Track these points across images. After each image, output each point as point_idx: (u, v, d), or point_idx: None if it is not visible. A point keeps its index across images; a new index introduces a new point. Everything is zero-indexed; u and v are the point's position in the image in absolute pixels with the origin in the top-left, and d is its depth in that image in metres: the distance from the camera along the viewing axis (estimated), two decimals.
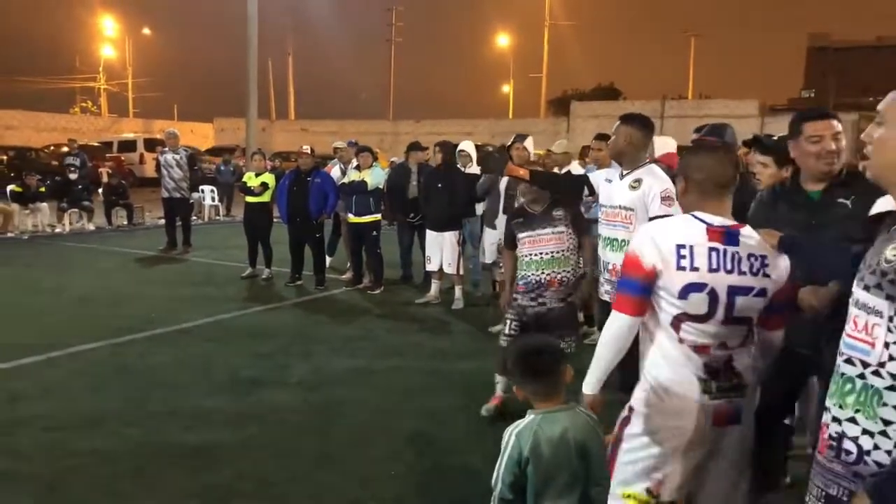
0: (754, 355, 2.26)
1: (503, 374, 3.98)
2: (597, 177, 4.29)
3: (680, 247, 2.13)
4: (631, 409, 2.28)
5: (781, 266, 2.20)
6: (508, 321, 4.49)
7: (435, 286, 8.03)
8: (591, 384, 2.36)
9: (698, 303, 2.12)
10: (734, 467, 2.23)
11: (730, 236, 2.16)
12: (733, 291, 2.12)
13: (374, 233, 8.51)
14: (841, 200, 2.91)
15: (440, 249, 7.78)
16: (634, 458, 2.23)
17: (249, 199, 9.21)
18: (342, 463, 3.93)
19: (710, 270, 2.12)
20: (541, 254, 4.37)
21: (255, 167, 9.56)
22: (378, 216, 8.54)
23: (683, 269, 2.12)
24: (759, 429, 2.40)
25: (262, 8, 18.81)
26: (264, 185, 9.08)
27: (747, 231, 2.21)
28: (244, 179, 9.54)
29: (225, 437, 4.22)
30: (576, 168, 7.09)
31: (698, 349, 2.16)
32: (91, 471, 3.77)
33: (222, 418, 4.53)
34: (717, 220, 2.18)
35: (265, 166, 9.35)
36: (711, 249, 2.13)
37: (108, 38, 55.85)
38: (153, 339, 6.38)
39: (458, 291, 7.82)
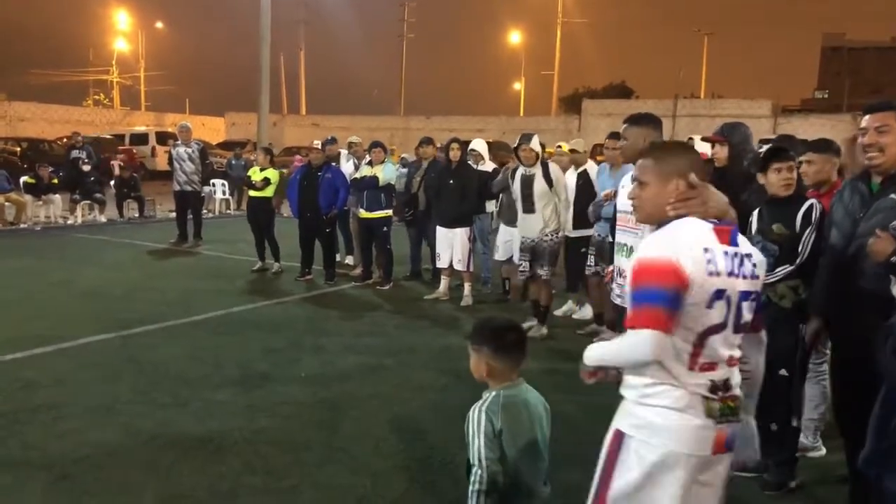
0: (743, 359, 2.16)
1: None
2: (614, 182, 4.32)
3: (706, 250, 1.98)
4: (621, 435, 2.07)
5: (763, 265, 2.13)
6: None
7: (444, 282, 8.04)
8: (593, 359, 2.15)
9: (720, 311, 1.99)
10: (716, 496, 2.10)
11: (733, 236, 2.06)
12: (741, 297, 2.03)
13: (385, 228, 8.51)
14: (893, 196, 2.93)
15: (450, 246, 7.78)
16: (627, 489, 2.05)
17: (252, 193, 9.31)
18: (351, 457, 3.94)
19: (729, 275, 2.00)
20: None
21: (260, 162, 9.61)
22: (389, 212, 8.55)
23: (712, 274, 1.96)
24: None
25: (275, 2, 18.85)
26: (266, 181, 9.12)
27: (736, 230, 2.12)
28: (248, 173, 9.63)
29: (235, 430, 4.24)
30: (591, 167, 7.07)
31: (705, 367, 2.00)
32: (101, 461, 3.80)
33: (232, 411, 4.55)
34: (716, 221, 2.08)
35: (266, 162, 9.39)
36: (724, 252, 2.01)
37: (122, 31, 56.11)
38: (164, 331, 6.42)
39: (467, 288, 7.82)
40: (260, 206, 9.31)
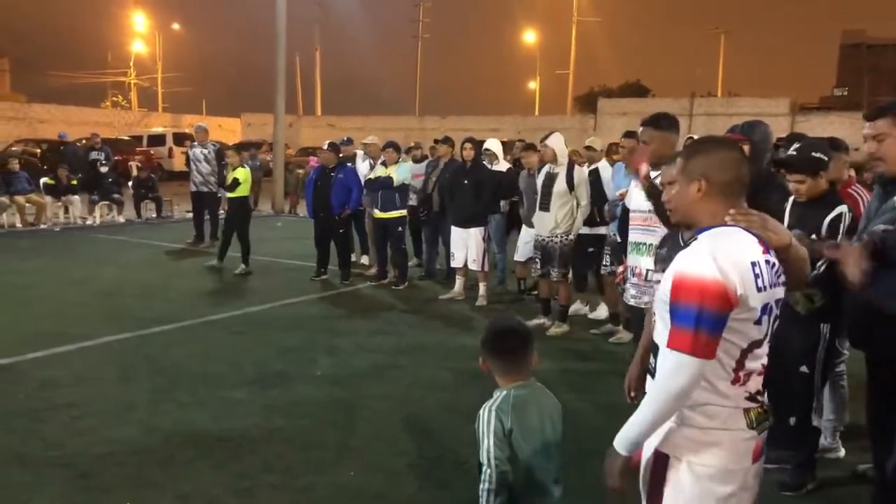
0: None
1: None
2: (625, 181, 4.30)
3: (753, 264, 1.88)
4: (665, 457, 1.98)
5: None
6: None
7: (459, 282, 8.04)
8: (628, 442, 1.94)
9: (764, 326, 1.93)
10: (754, 497, 2.05)
11: (766, 244, 1.98)
12: (777, 305, 1.98)
13: (400, 228, 8.53)
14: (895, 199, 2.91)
15: (465, 246, 7.79)
16: None
17: (228, 194, 9.37)
18: (366, 456, 3.96)
19: (772, 286, 1.93)
20: None
21: (232, 162, 9.62)
22: (404, 212, 8.57)
23: (761, 289, 1.88)
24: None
25: (291, 4, 18.91)
26: (235, 181, 9.18)
27: None
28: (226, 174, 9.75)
29: (252, 428, 4.28)
30: (604, 166, 7.06)
31: (745, 380, 1.93)
32: (120, 458, 3.84)
33: (249, 410, 4.59)
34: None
35: (240, 161, 9.43)
36: (766, 262, 1.92)
37: (139, 33, 56.57)
38: (182, 330, 6.47)
39: (482, 288, 7.83)
40: (233, 207, 9.39)
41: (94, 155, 15.26)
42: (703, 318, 1.81)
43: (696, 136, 6.34)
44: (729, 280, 1.82)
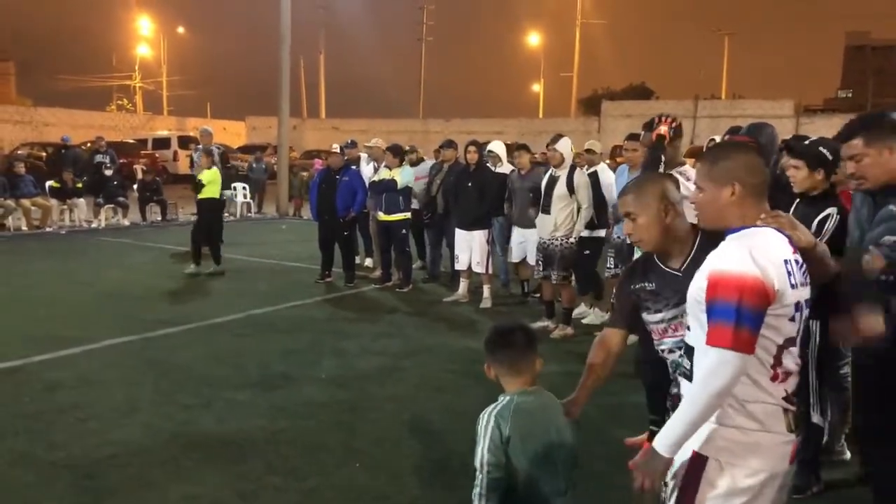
0: None
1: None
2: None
3: (785, 262, 1.94)
4: (703, 458, 1.97)
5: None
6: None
7: (464, 285, 8.04)
8: (670, 444, 1.90)
9: (796, 324, 1.98)
10: (785, 497, 2.08)
11: (794, 244, 2.04)
12: (806, 304, 2.02)
13: (404, 231, 8.54)
14: (891, 207, 2.91)
15: (469, 248, 7.79)
16: None
17: (197, 196, 9.35)
18: (370, 458, 3.96)
19: (801, 285, 1.98)
20: None
21: (201, 164, 9.58)
22: (408, 214, 8.58)
23: (794, 286, 1.93)
24: None
25: (295, 7, 18.97)
26: (199, 183, 9.18)
27: None
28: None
29: (256, 430, 4.28)
30: (603, 168, 7.06)
31: (783, 378, 1.96)
32: (125, 460, 3.85)
33: (253, 412, 4.59)
34: None
35: (208, 163, 9.43)
36: (796, 261, 1.99)
37: (144, 37, 56.77)
38: (186, 333, 6.49)
39: (486, 290, 7.83)
40: (201, 208, 9.39)
41: (98, 158, 15.31)
42: (743, 313, 1.82)
43: (717, 139, 6.30)
44: (767, 275, 1.86)
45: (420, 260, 9.63)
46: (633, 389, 4.09)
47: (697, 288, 1.99)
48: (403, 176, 8.41)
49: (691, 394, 1.90)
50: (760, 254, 1.89)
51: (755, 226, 2.02)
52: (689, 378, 2.04)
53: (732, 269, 1.87)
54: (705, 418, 1.89)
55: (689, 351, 2.08)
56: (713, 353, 1.84)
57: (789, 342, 1.96)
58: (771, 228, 2.01)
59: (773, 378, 1.94)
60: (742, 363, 1.83)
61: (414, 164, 9.30)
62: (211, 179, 9.23)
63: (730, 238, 2.02)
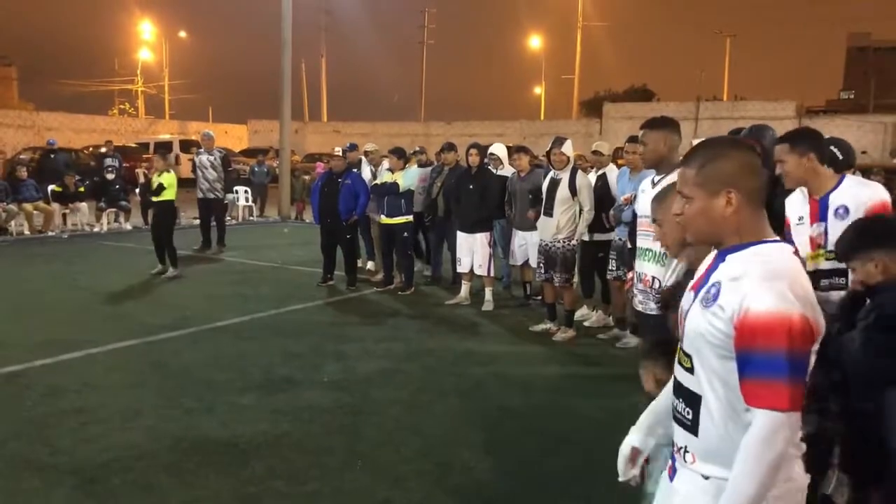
0: None
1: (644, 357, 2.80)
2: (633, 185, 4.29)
3: (807, 282, 1.62)
4: None
5: None
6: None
7: (465, 287, 8.04)
8: None
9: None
10: None
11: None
12: None
13: (406, 234, 8.54)
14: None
15: (471, 251, 7.79)
16: None
17: (154, 198, 9.38)
18: (372, 462, 3.96)
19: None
20: None
21: (157, 167, 9.66)
22: (409, 217, 8.58)
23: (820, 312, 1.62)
24: None
25: (297, 10, 19.01)
26: (160, 186, 9.20)
27: None
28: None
29: (259, 434, 4.28)
30: (611, 171, 7.05)
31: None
32: (127, 464, 3.85)
33: (256, 415, 4.59)
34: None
35: (165, 166, 9.47)
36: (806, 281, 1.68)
37: (146, 41, 56.89)
38: (188, 336, 6.49)
39: (488, 293, 7.82)
40: (158, 211, 9.42)
41: (107, 161, 15.36)
42: (796, 364, 1.51)
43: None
44: (808, 310, 1.54)
45: (420, 261, 9.62)
46: (640, 391, 4.08)
47: (710, 326, 1.62)
48: (405, 179, 8.41)
49: (745, 469, 1.55)
50: (794, 282, 1.56)
51: (760, 241, 1.67)
52: (688, 429, 1.73)
53: (770, 308, 1.51)
54: (767, 491, 1.55)
55: (689, 398, 1.73)
56: (764, 418, 1.52)
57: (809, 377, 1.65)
58: (779, 242, 1.68)
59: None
60: (798, 422, 1.55)
61: (423, 164, 9.32)
62: (171, 183, 9.28)
63: (735, 259, 1.66)
